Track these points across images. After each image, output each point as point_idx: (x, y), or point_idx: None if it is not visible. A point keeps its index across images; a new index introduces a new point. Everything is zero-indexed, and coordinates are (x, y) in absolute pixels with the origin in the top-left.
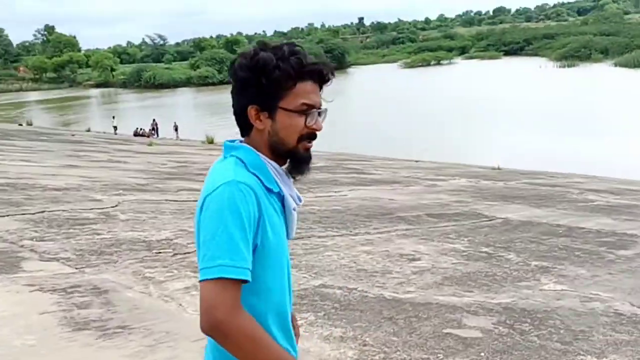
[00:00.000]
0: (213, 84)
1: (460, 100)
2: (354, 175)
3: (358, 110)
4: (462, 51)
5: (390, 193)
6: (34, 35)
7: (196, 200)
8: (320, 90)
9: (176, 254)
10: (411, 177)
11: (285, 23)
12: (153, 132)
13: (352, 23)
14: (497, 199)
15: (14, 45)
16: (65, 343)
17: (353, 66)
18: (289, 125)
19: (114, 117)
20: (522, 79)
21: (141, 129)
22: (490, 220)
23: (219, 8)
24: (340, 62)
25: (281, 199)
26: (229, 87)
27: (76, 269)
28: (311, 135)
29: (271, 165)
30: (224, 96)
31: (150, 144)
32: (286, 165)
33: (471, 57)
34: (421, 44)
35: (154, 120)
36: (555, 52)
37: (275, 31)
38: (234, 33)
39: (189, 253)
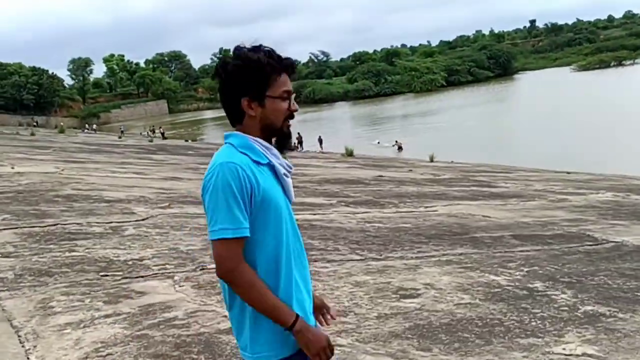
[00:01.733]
0: (369, 96)
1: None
2: (472, 189)
3: (516, 119)
4: None
5: (493, 209)
6: (211, 58)
7: None
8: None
9: (125, 277)
10: (543, 190)
11: (452, 32)
12: (297, 144)
13: (524, 27)
14: (632, 217)
15: (196, 69)
16: None
17: (521, 72)
18: (276, 109)
19: None
20: None
21: None
22: (596, 244)
23: (387, 22)
24: (505, 68)
25: (272, 168)
26: (385, 99)
27: None
28: (291, 116)
29: (258, 142)
30: (378, 108)
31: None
32: (273, 143)
33: None
34: (600, 44)
35: (298, 133)
36: None
37: (441, 40)
38: (399, 45)
39: (141, 277)
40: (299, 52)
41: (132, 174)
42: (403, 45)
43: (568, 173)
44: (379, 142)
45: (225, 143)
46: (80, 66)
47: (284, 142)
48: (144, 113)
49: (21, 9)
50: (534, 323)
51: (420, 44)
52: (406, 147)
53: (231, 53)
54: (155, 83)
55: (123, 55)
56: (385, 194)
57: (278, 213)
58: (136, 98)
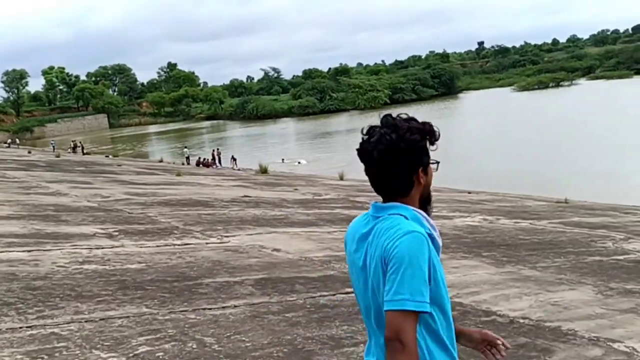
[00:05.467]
0: (314, 113)
1: (564, 125)
2: (334, 211)
3: (453, 137)
4: (588, 71)
5: (306, 239)
6: (158, 72)
7: None
8: None
9: None
10: None
11: (410, 52)
12: (214, 161)
13: (475, 49)
14: (462, 248)
15: (145, 83)
16: None
17: (465, 91)
18: (432, 173)
19: (186, 148)
20: None
21: (204, 159)
22: (332, 294)
23: (353, 42)
24: (449, 87)
25: (432, 239)
26: (329, 116)
27: None
28: None
29: (422, 215)
30: (320, 124)
31: (178, 174)
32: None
33: (597, 78)
34: (542, 65)
35: (216, 150)
36: None
37: (396, 60)
38: (355, 64)
39: None
40: (257, 71)
41: None
42: (359, 64)
43: (469, 193)
44: (283, 160)
45: (389, 215)
46: (15, 78)
47: (428, 206)
48: (82, 127)
49: None
50: None
51: (375, 63)
52: (334, 164)
53: (389, 123)
54: (95, 97)
55: (63, 68)
56: (208, 220)
57: (440, 283)
58: (75, 112)
